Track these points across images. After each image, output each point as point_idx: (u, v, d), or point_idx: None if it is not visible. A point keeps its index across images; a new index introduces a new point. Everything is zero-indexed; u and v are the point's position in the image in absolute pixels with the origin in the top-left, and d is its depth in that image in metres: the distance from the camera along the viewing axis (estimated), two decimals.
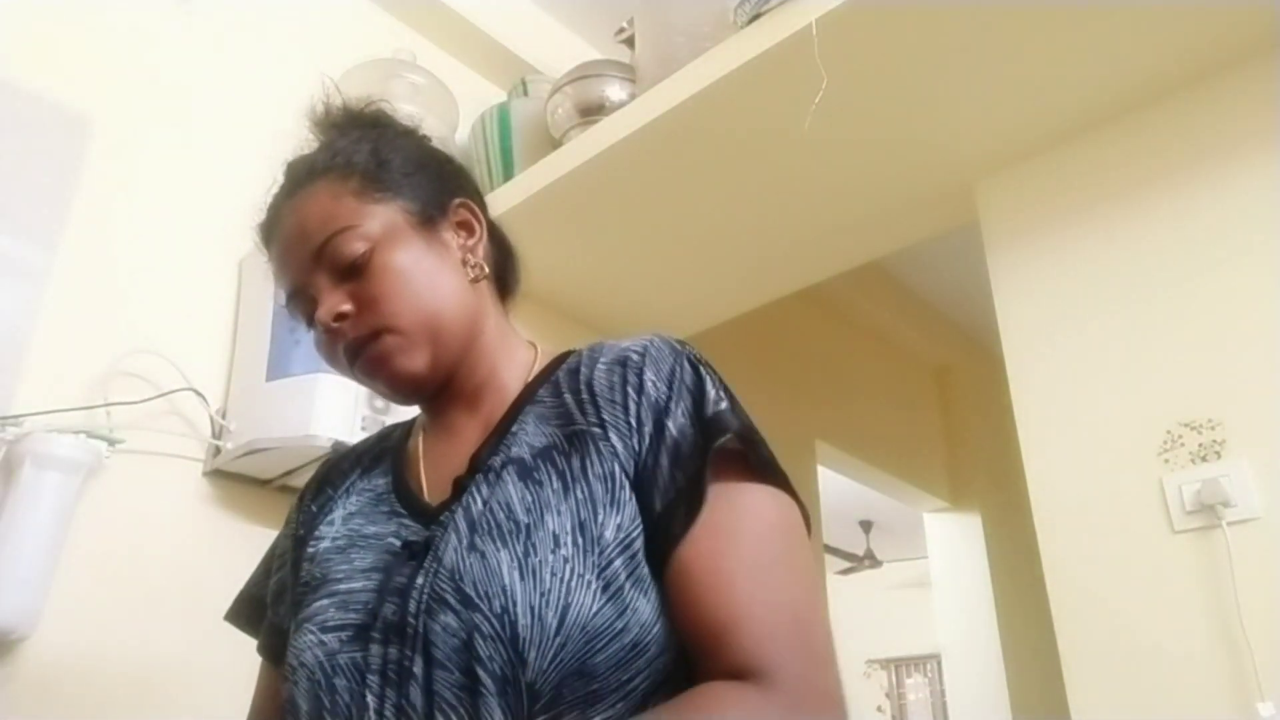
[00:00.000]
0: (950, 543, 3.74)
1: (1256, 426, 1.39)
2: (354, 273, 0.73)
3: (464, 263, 0.78)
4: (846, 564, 6.05)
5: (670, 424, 0.66)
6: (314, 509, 0.83)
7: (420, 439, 0.81)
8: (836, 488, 3.50)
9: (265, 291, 1.53)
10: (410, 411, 0.85)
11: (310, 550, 0.77)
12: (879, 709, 7.17)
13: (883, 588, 6.64)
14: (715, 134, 1.67)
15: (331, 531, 0.77)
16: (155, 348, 1.45)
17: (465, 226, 0.80)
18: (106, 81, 1.55)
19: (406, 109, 1.70)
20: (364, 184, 0.75)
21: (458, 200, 0.80)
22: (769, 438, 0.71)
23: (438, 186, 0.80)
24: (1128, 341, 1.55)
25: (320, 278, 0.73)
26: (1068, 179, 1.68)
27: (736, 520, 0.64)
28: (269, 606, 0.83)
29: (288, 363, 1.46)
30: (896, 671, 7.30)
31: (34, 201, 1.41)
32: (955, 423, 3.86)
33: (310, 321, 0.75)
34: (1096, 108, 1.62)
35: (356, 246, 0.72)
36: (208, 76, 1.69)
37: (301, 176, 0.78)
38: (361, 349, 0.72)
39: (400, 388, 0.74)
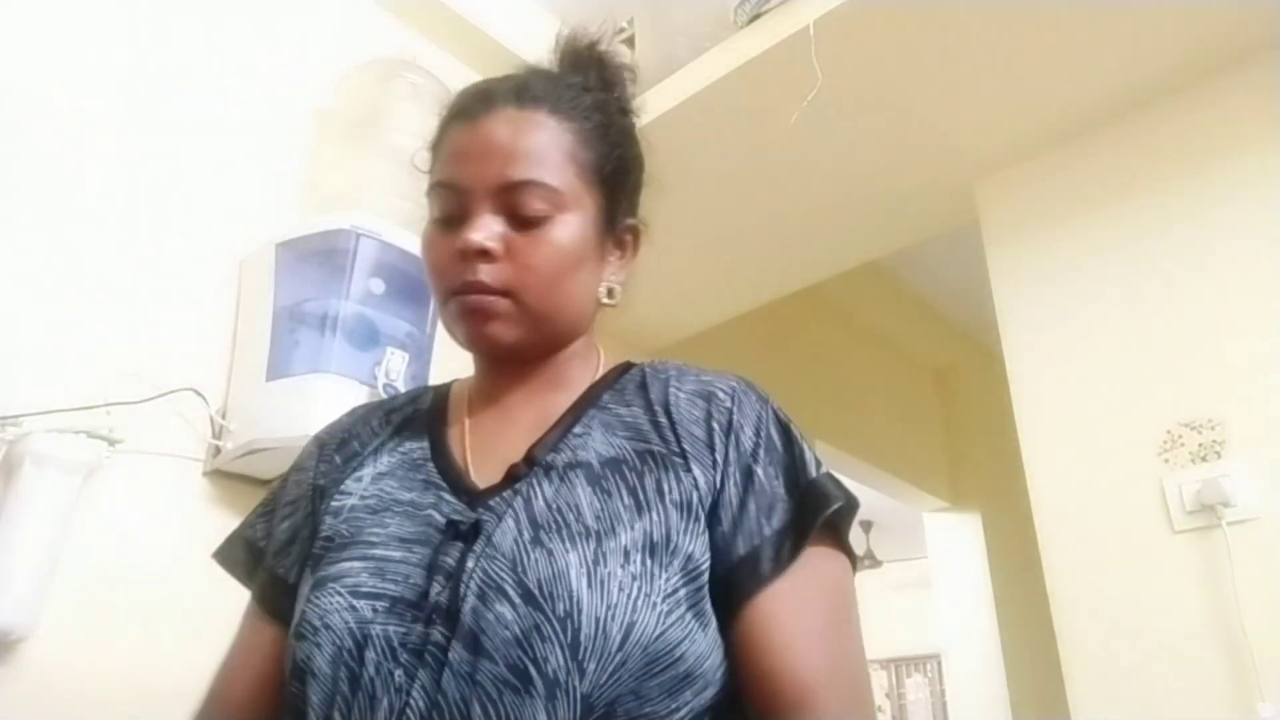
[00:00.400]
0: (950, 543, 3.75)
1: (1256, 426, 1.39)
2: (520, 225, 0.72)
3: (602, 279, 0.78)
4: None
5: (759, 471, 0.69)
6: (339, 460, 0.79)
7: (465, 410, 0.79)
8: None
9: (265, 291, 1.53)
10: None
11: (335, 504, 0.75)
12: (879, 709, 7.17)
13: (883, 588, 6.64)
14: (715, 134, 1.67)
15: (360, 489, 0.75)
16: (155, 348, 1.45)
17: (621, 246, 0.81)
18: (107, 81, 1.55)
19: (407, 109, 1.71)
20: (580, 150, 0.75)
21: (631, 221, 0.81)
22: None
23: (626, 200, 0.81)
24: (1128, 341, 1.55)
25: (489, 203, 0.72)
26: (1068, 179, 1.68)
27: (819, 581, 0.67)
28: (270, 555, 0.79)
29: (288, 363, 1.46)
30: (896, 671, 7.30)
31: (34, 201, 1.41)
32: (955, 423, 3.86)
33: (447, 217, 0.74)
34: (1096, 108, 1.62)
35: (541, 208, 0.72)
36: (208, 77, 1.69)
37: (533, 94, 0.76)
38: (479, 292, 0.71)
39: (481, 346, 0.75)
